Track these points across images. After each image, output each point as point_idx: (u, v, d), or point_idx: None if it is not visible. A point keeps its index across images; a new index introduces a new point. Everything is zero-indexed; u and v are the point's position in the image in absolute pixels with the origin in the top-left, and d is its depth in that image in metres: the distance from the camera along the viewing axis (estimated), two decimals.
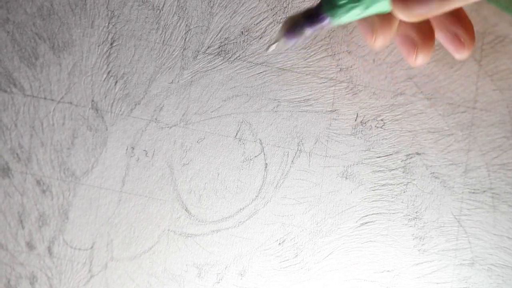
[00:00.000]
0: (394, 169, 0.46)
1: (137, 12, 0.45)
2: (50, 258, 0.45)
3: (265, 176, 0.46)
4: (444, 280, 0.45)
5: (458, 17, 0.41)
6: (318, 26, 0.38)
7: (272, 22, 0.46)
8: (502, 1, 0.42)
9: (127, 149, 0.45)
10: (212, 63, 0.46)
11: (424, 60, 0.41)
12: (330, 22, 0.38)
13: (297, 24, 0.38)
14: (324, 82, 0.46)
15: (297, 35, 0.38)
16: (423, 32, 0.41)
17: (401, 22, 0.40)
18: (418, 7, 0.35)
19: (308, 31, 0.38)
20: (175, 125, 0.46)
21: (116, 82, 0.45)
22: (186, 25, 0.45)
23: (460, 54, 0.41)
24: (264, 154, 0.46)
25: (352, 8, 0.37)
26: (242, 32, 0.46)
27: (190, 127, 0.45)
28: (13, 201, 0.45)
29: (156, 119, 0.45)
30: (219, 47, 0.46)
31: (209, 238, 0.46)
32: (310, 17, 0.38)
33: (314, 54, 0.46)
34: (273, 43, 0.39)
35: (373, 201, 0.46)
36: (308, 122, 0.46)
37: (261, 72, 0.46)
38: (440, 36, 0.41)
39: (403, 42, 0.41)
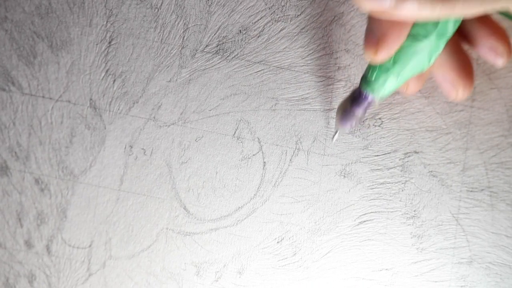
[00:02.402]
0: (392, 168, 0.46)
1: (135, 11, 0.45)
2: (49, 256, 0.45)
3: (263, 175, 0.46)
4: (442, 278, 0.45)
5: (492, 30, 0.41)
6: (365, 104, 0.41)
7: (270, 21, 0.46)
8: None
9: (125, 147, 0.45)
10: (210, 62, 0.46)
11: (465, 95, 0.42)
12: (374, 98, 0.40)
13: (346, 109, 0.42)
14: (322, 81, 0.46)
15: (350, 118, 0.42)
16: (461, 71, 0.41)
17: (437, 64, 0.41)
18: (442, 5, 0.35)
19: (359, 112, 0.41)
20: (173, 124, 0.46)
21: (114, 80, 0.45)
22: (184, 23, 0.46)
23: (499, 63, 0.41)
24: (262, 153, 0.46)
25: (385, 80, 0.39)
26: (240, 30, 0.46)
27: (188, 125, 0.46)
28: (11, 200, 0.45)
29: (154, 117, 0.45)
30: (217, 46, 0.46)
31: (208, 236, 0.46)
32: (356, 99, 0.41)
33: (312, 52, 0.46)
34: (334, 134, 0.45)
35: (371, 199, 0.46)
36: (306, 120, 0.46)
37: (259, 71, 0.46)
38: (477, 50, 0.42)
39: (442, 82, 0.42)
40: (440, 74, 0.42)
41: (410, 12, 0.34)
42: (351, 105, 0.41)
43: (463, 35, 0.41)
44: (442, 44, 0.38)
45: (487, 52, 0.41)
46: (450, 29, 0.38)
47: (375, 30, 0.37)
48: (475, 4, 0.34)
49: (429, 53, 0.38)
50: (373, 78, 0.40)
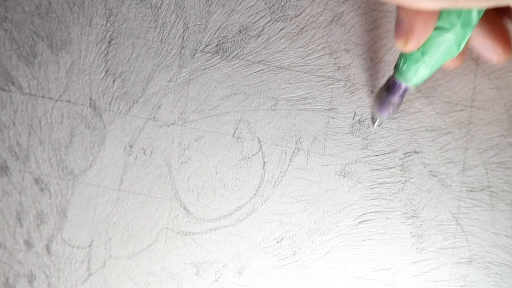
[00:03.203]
0: (392, 168, 0.46)
1: (135, 11, 0.45)
2: (49, 256, 0.45)
3: (263, 175, 0.46)
4: (442, 278, 0.45)
5: (498, 33, 0.42)
6: (400, 93, 0.42)
7: (270, 21, 0.46)
8: None
9: (125, 147, 0.45)
10: (210, 62, 0.46)
11: (507, 58, 0.43)
12: (408, 86, 0.41)
13: (382, 98, 0.43)
14: (322, 81, 0.46)
15: (388, 107, 0.43)
16: (497, 36, 0.42)
17: (473, 35, 0.42)
18: None
19: (396, 100, 0.42)
20: (173, 124, 0.46)
21: (114, 80, 0.45)
22: (184, 23, 0.46)
23: (494, 63, 0.43)
24: (262, 153, 0.46)
25: (417, 68, 0.40)
26: (240, 30, 0.46)
27: (188, 125, 0.46)
28: (11, 200, 0.45)
29: (154, 117, 0.46)
30: (217, 46, 0.46)
31: (207, 236, 0.46)
32: (391, 88, 0.42)
33: (312, 52, 0.46)
34: (373, 123, 0.45)
35: (371, 199, 0.46)
36: (306, 120, 0.46)
37: (259, 71, 0.46)
38: (475, 46, 0.43)
39: (481, 51, 0.43)
40: (478, 43, 0.43)
41: (415, 2, 0.35)
42: (387, 94, 0.42)
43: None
44: (469, 32, 0.38)
45: (485, 52, 0.43)
46: (475, 18, 0.38)
47: (404, 21, 0.38)
48: (480, 0, 0.34)
49: (456, 42, 0.39)
50: (405, 68, 0.41)
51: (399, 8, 0.39)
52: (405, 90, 0.42)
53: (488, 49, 0.43)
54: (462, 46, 0.39)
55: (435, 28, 0.38)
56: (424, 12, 0.37)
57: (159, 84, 0.46)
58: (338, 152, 0.46)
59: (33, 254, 0.45)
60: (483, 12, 0.38)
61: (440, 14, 0.38)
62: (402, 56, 0.41)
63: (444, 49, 0.39)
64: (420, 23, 0.38)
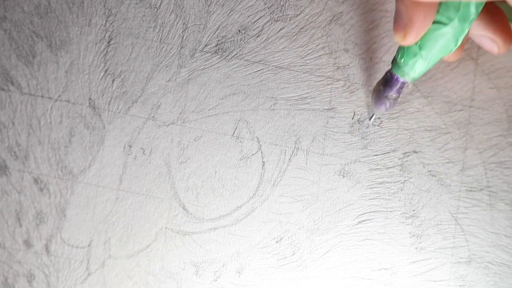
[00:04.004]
0: (391, 167, 0.46)
1: (134, 11, 0.45)
2: (48, 256, 0.45)
3: (262, 174, 0.46)
4: (441, 278, 0.45)
5: (498, 25, 0.42)
6: (398, 87, 0.42)
7: (269, 21, 0.46)
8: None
9: (124, 147, 0.45)
10: (209, 61, 0.46)
11: (506, 48, 0.43)
12: (406, 80, 0.41)
13: (379, 92, 0.42)
14: (321, 81, 0.46)
15: (385, 101, 0.42)
16: (497, 28, 0.42)
17: (473, 27, 0.42)
18: None
19: (392, 94, 0.42)
20: (172, 123, 0.46)
21: (114, 80, 0.45)
22: (183, 23, 0.46)
23: (494, 53, 0.43)
24: (262, 152, 0.46)
25: (414, 63, 0.40)
26: (239, 30, 0.46)
27: (188, 125, 0.46)
28: (10, 199, 0.45)
29: (153, 117, 0.46)
30: (216, 45, 0.46)
31: (207, 236, 0.46)
32: (388, 82, 0.42)
33: (311, 52, 0.46)
34: (370, 118, 0.45)
35: (370, 199, 0.46)
36: (305, 120, 0.46)
37: (258, 70, 0.46)
38: (475, 38, 0.43)
39: (482, 42, 0.43)
40: (478, 34, 0.43)
41: None
42: (384, 89, 0.42)
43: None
44: (467, 27, 0.38)
45: (485, 43, 0.43)
46: (473, 13, 0.38)
47: (403, 14, 0.38)
48: None
49: (454, 37, 0.39)
50: (402, 62, 0.40)
51: (398, 1, 0.39)
52: (403, 84, 0.42)
53: (488, 40, 0.43)
54: (459, 41, 0.39)
55: (433, 22, 0.38)
56: (423, 5, 0.37)
57: (159, 84, 0.46)
58: (338, 152, 0.46)
59: (32, 254, 0.45)
60: (481, 7, 0.38)
61: (438, 8, 0.38)
62: (400, 50, 0.41)
63: (441, 43, 0.39)
64: (419, 17, 0.38)
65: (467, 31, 0.39)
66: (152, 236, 0.45)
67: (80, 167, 0.45)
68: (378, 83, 0.43)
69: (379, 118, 0.46)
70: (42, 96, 0.45)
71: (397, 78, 0.41)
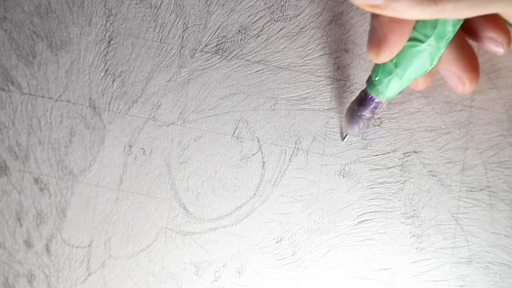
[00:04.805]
0: (391, 167, 0.46)
1: (134, 11, 0.45)
2: (48, 256, 0.45)
3: (262, 174, 0.46)
4: (442, 278, 0.45)
5: (491, 22, 0.41)
6: (372, 107, 0.42)
7: (269, 21, 0.46)
8: None
9: (124, 147, 0.45)
10: (210, 61, 0.46)
11: (472, 88, 0.43)
12: (381, 100, 0.41)
13: (354, 112, 0.42)
14: (321, 81, 0.46)
15: (358, 121, 0.42)
16: (466, 65, 0.42)
17: (442, 60, 0.42)
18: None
19: (367, 114, 0.42)
20: (172, 123, 0.46)
21: (114, 80, 0.45)
22: (184, 23, 0.46)
23: (501, 52, 0.42)
24: (262, 152, 0.46)
25: (389, 81, 0.40)
26: (239, 30, 0.46)
27: (188, 125, 0.46)
28: (11, 199, 0.45)
29: (153, 117, 0.46)
30: (216, 46, 0.46)
31: (207, 236, 0.46)
32: (362, 101, 0.42)
33: (312, 52, 0.46)
34: (344, 137, 0.45)
35: (371, 199, 0.46)
36: (306, 120, 0.46)
37: (258, 71, 0.46)
38: (478, 42, 0.42)
39: (448, 77, 0.43)
40: (446, 68, 0.42)
41: (400, 11, 0.34)
42: (358, 108, 0.42)
43: (465, 28, 0.42)
44: (443, 46, 0.38)
45: (488, 43, 0.42)
46: (450, 32, 0.38)
47: (378, 31, 0.38)
48: (464, 8, 0.34)
49: (430, 55, 0.38)
50: (377, 80, 0.40)
51: (373, 17, 0.38)
52: (377, 104, 0.41)
53: (455, 77, 0.42)
54: (435, 61, 0.38)
55: (409, 40, 0.38)
56: (399, 22, 0.37)
57: (159, 84, 0.46)
58: (338, 152, 0.46)
59: (32, 254, 0.45)
60: (458, 27, 0.38)
61: (415, 25, 0.38)
62: (375, 68, 0.40)
63: (417, 61, 0.38)
64: (395, 33, 0.37)
65: (442, 51, 0.38)
66: (152, 236, 0.46)
67: (80, 167, 0.45)
68: (352, 102, 0.42)
69: (380, 119, 0.46)
70: (43, 96, 0.45)
71: (371, 97, 0.41)
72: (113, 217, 0.45)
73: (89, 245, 0.45)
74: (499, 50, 0.42)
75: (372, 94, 0.41)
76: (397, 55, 0.38)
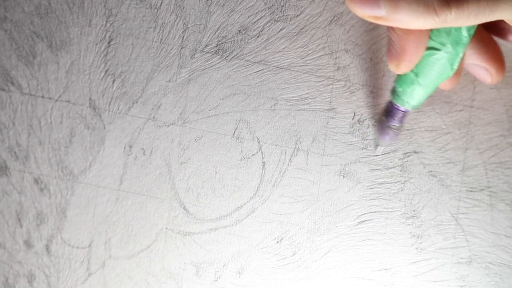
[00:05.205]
0: (391, 168, 0.46)
1: (134, 11, 0.45)
2: (48, 256, 0.45)
3: (262, 175, 0.46)
4: (442, 278, 0.45)
5: (490, 54, 0.42)
6: (400, 116, 0.42)
7: (269, 21, 0.46)
8: None
9: (124, 147, 0.46)
10: (210, 62, 0.46)
11: (500, 78, 0.43)
12: (407, 109, 0.41)
13: (383, 123, 0.43)
14: (321, 81, 0.46)
15: (388, 131, 0.43)
16: (490, 57, 0.43)
17: (467, 55, 0.42)
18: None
19: (395, 123, 0.42)
20: (172, 124, 0.46)
21: (114, 80, 0.45)
22: (184, 23, 0.46)
23: (488, 83, 0.44)
24: (262, 153, 0.46)
25: (412, 91, 0.40)
26: (239, 30, 0.46)
27: (188, 125, 0.46)
28: (11, 200, 0.45)
29: (153, 117, 0.46)
30: (216, 46, 0.46)
31: (207, 236, 0.46)
32: (389, 112, 0.42)
33: (312, 52, 0.46)
34: (376, 148, 0.45)
35: (371, 199, 0.46)
36: (306, 120, 0.46)
37: (258, 71, 0.46)
38: (469, 68, 0.43)
39: (475, 71, 0.43)
40: (471, 64, 0.43)
41: (403, 22, 0.35)
42: (386, 119, 0.43)
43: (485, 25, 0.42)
44: (461, 50, 0.38)
45: (479, 72, 0.43)
46: (465, 36, 0.38)
47: (395, 43, 0.38)
48: (468, 17, 0.35)
49: (449, 61, 0.38)
50: (401, 90, 0.41)
51: (389, 31, 0.38)
52: (404, 113, 0.42)
53: (482, 70, 0.43)
54: (455, 66, 0.39)
55: (427, 49, 0.38)
56: (414, 33, 0.37)
57: (159, 84, 0.46)
58: (338, 152, 0.46)
59: (32, 254, 0.45)
60: (474, 30, 0.38)
61: (430, 34, 0.38)
62: (398, 79, 0.41)
63: (437, 69, 0.39)
64: (411, 45, 0.38)
65: (461, 55, 0.39)
66: (152, 236, 0.46)
67: (80, 167, 0.45)
68: (380, 114, 0.43)
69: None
70: (43, 97, 0.45)
71: (397, 107, 0.42)
72: (113, 218, 0.46)
73: (89, 246, 0.45)
74: (487, 82, 0.43)
75: (398, 104, 0.41)
76: (417, 65, 0.39)
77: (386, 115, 0.43)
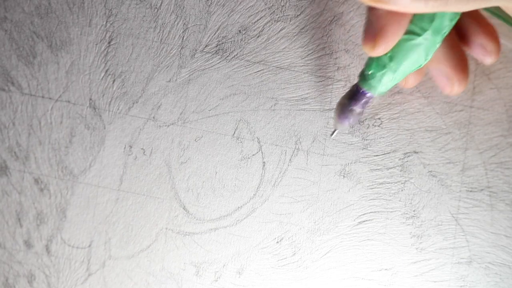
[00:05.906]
0: (391, 168, 0.46)
1: (134, 11, 0.45)
2: (48, 256, 0.45)
3: (263, 175, 0.46)
4: (442, 278, 0.45)
5: (482, 29, 0.41)
6: (363, 101, 0.41)
7: (269, 21, 0.46)
8: (501, 14, 0.42)
9: (125, 147, 0.45)
10: (210, 62, 0.46)
11: (460, 90, 0.42)
12: (372, 94, 0.41)
13: (344, 106, 0.42)
14: (321, 81, 0.46)
15: (349, 115, 0.42)
16: (457, 65, 0.42)
17: (433, 59, 0.41)
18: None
19: (357, 109, 0.41)
20: (173, 124, 0.46)
21: (114, 80, 0.45)
22: (184, 23, 0.46)
23: (488, 61, 0.42)
24: (262, 153, 0.46)
25: (382, 75, 0.39)
26: (239, 30, 0.46)
27: (188, 125, 0.46)
28: (11, 200, 0.45)
29: (154, 117, 0.46)
30: (216, 46, 0.46)
31: (207, 236, 0.46)
32: (353, 95, 0.41)
33: (312, 52, 0.46)
34: (333, 132, 0.44)
35: (371, 199, 0.46)
36: (306, 120, 0.46)
37: (258, 71, 0.46)
38: (467, 47, 0.42)
39: (438, 77, 0.43)
40: (435, 68, 0.42)
41: (403, 5, 0.34)
42: (349, 102, 0.41)
43: (456, 33, 0.42)
44: (439, 40, 0.38)
45: (477, 49, 0.42)
46: (446, 26, 0.38)
47: (374, 23, 0.37)
48: (468, 0, 0.34)
49: (425, 50, 0.38)
50: (370, 74, 0.40)
51: (369, 10, 0.38)
52: (368, 99, 0.41)
53: (444, 77, 0.42)
54: (429, 56, 0.38)
55: (406, 33, 0.38)
56: (397, 15, 0.37)
57: (159, 84, 0.46)
58: (338, 152, 0.46)
59: (32, 254, 0.45)
60: (455, 21, 0.38)
61: (412, 18, 0.37)
62: (369, 62, 0.40)
63: (412, 56, 0.38)
64: (392, 26, 0.37)
65: (437, 46, 0.38)
66: (152, 236, 0.45)
67: (80, 167, 0.45)
68: (343, 96, 0.42)
69: (380, 119, 0.46)
70: (43, 97, 0.45)
71: (363, 92, 0.41)
72: (113, 218, 0.45)
73: (89, 246, 0.45)
74: (487, 59, 0.42)
75: (364, 88, 0.40)
76: (393, 49, 0.38)
77: (350, 98, 0.41)
